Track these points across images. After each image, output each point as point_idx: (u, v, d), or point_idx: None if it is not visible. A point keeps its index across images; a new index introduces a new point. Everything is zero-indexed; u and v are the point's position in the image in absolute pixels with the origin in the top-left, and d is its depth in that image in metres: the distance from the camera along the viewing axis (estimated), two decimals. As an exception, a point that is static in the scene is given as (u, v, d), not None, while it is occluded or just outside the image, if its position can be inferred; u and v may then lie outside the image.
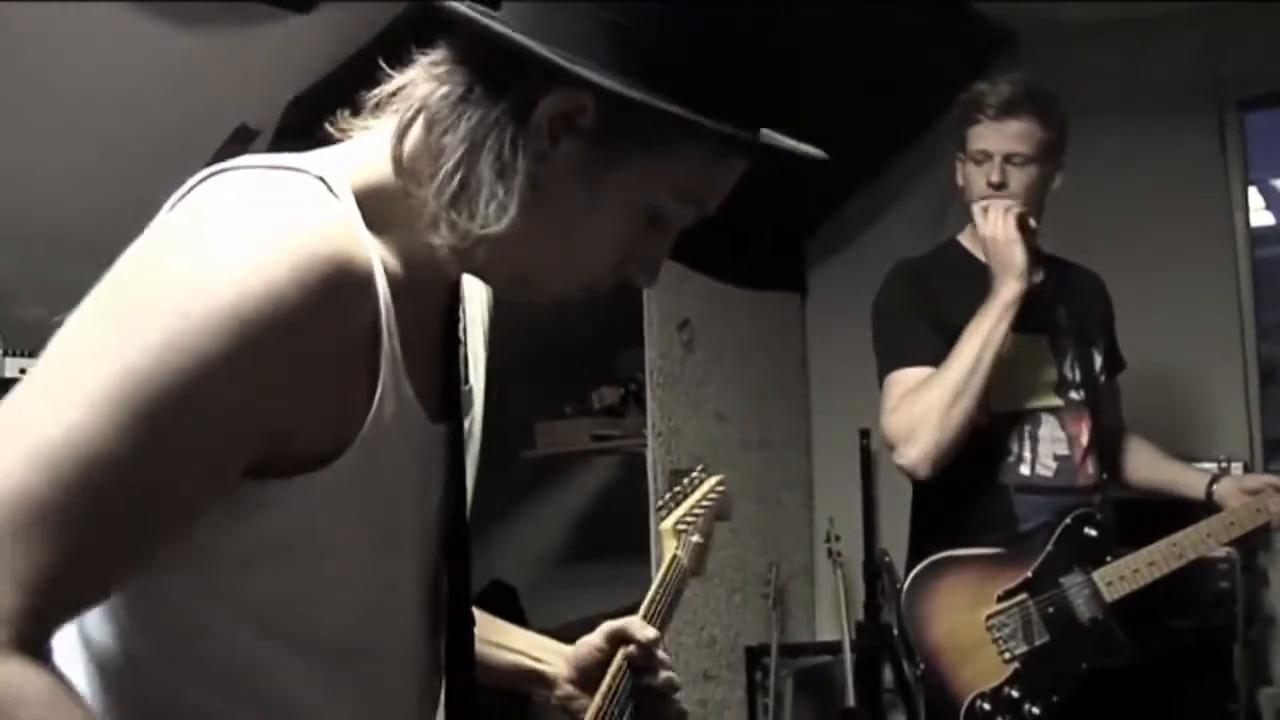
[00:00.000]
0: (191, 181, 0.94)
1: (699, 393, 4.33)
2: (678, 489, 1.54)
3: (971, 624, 2.39)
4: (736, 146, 0.99)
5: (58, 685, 0.82)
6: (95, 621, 0.98)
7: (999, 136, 2.50)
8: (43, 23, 2.57)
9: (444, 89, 0.97)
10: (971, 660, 2.37)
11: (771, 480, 4.69)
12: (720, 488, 1.63)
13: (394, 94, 1.02)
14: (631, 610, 4.77)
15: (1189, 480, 2.65)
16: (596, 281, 1.04)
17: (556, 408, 4.79)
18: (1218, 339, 4.17)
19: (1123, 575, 2.43)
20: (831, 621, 4.60)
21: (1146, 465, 2.74)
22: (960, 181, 2.62)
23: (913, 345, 2.52)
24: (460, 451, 1.13)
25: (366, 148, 1.02)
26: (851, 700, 4.26)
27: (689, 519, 1.50)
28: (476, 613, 1.32)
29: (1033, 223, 2.51)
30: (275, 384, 0.89)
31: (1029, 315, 2.52)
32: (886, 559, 3.43)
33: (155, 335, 0.83)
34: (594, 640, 1.41)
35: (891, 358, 2.55)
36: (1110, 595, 2.42)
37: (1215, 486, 2.57)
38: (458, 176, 0.95)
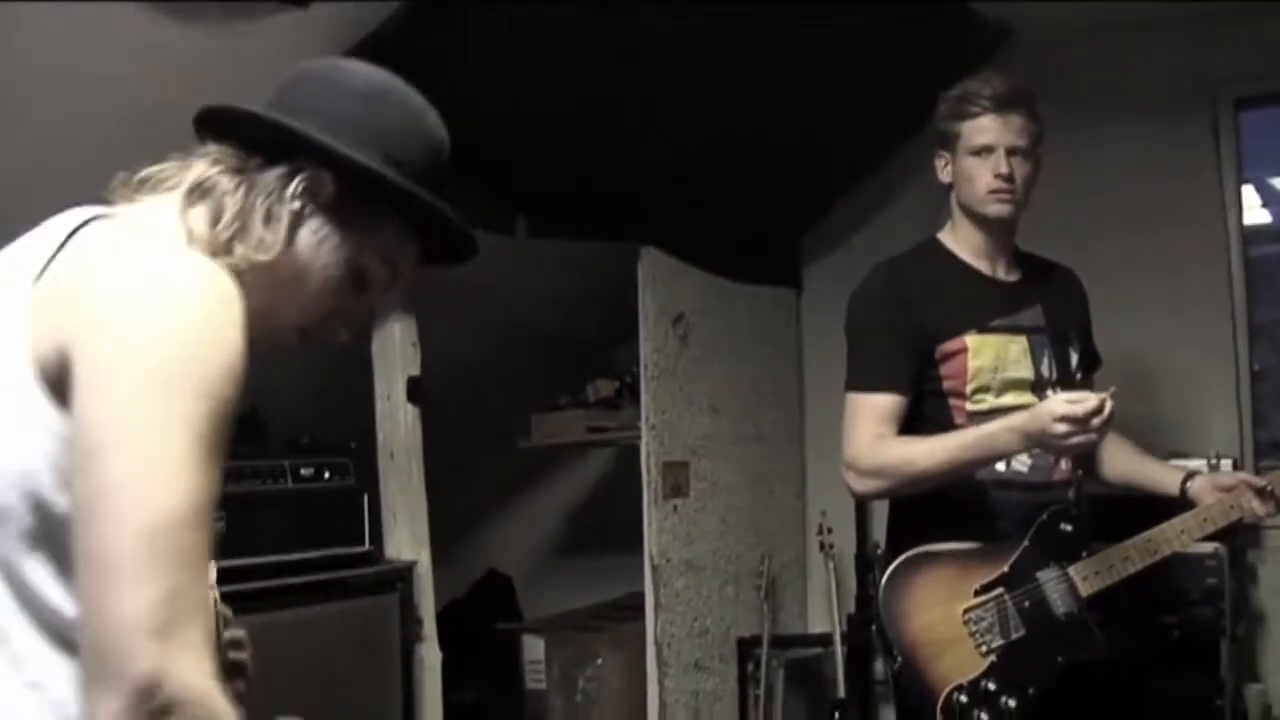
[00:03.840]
0: (78, 221, 1.17)
1: (693, 386, 4.36)
2: None
3: (949, 618, 2.41)
4: (435, 222, 1.34)
5: None
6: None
7: (1003, 129, 2.51)
8: (42, 23, 2.59)
9: (225, 169, 1.28)
10: (949, 654, 2.39)
11: (764, 473, 4.72)
12: None
13: (173, 177, 1.29)
14: (626, 601, 4.72)
15: (1164, 477, 2.65)
16: (310, 330, 1.34)
17: (552, 399, 4.84)
18: (1210, 337, 4.20)
19: (1098, 570, 2.44)
20: (823, 613, 4.64)
21: (1122, 461, 2.73)
22: (946, 178, 2.62)
23: (881, 368, 2.52)
24: None
25: (156, 212, 1.26)
26: (842, 692, 4.30)
27: None
28: None
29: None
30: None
31: (1007, 314, 2.55)
32: (878, 551, 3.44)
33: (195, 390, 1.05)
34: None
35: (859, 376, 2.55)
36: (1085, 590, 2.44)
37: (1189, 483, 2.57)
38: (236, 223, 1.26)
